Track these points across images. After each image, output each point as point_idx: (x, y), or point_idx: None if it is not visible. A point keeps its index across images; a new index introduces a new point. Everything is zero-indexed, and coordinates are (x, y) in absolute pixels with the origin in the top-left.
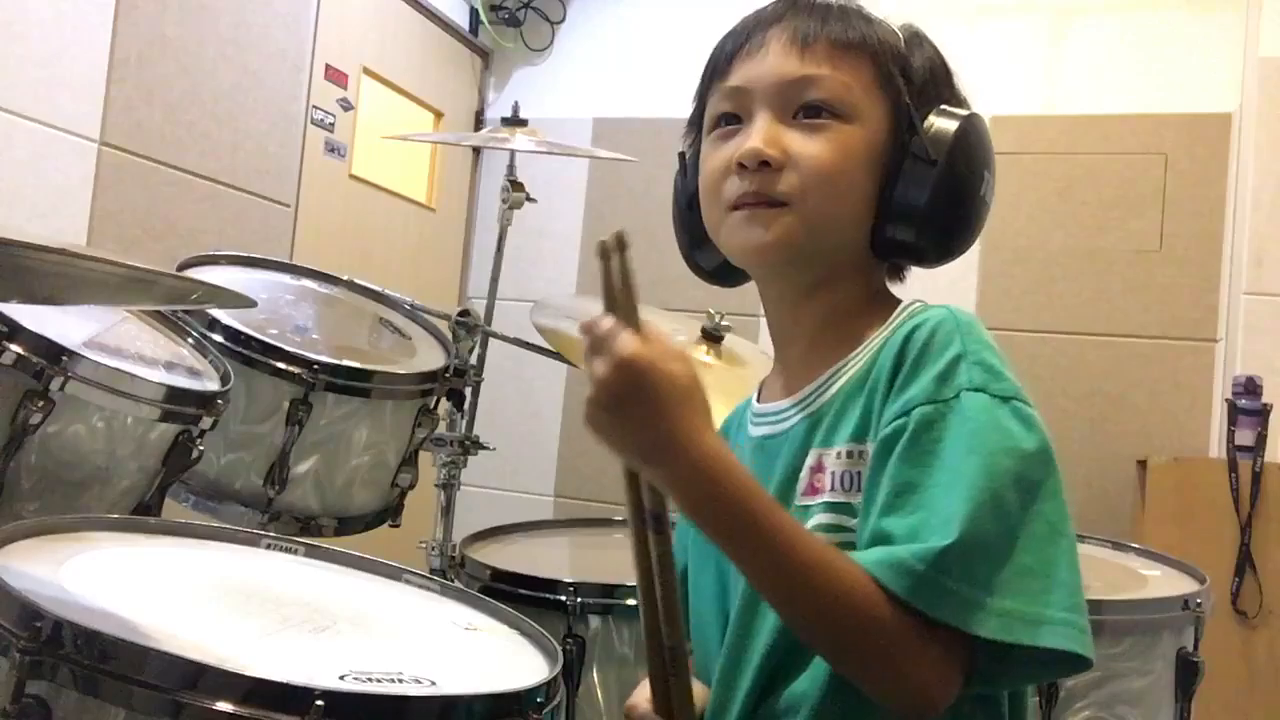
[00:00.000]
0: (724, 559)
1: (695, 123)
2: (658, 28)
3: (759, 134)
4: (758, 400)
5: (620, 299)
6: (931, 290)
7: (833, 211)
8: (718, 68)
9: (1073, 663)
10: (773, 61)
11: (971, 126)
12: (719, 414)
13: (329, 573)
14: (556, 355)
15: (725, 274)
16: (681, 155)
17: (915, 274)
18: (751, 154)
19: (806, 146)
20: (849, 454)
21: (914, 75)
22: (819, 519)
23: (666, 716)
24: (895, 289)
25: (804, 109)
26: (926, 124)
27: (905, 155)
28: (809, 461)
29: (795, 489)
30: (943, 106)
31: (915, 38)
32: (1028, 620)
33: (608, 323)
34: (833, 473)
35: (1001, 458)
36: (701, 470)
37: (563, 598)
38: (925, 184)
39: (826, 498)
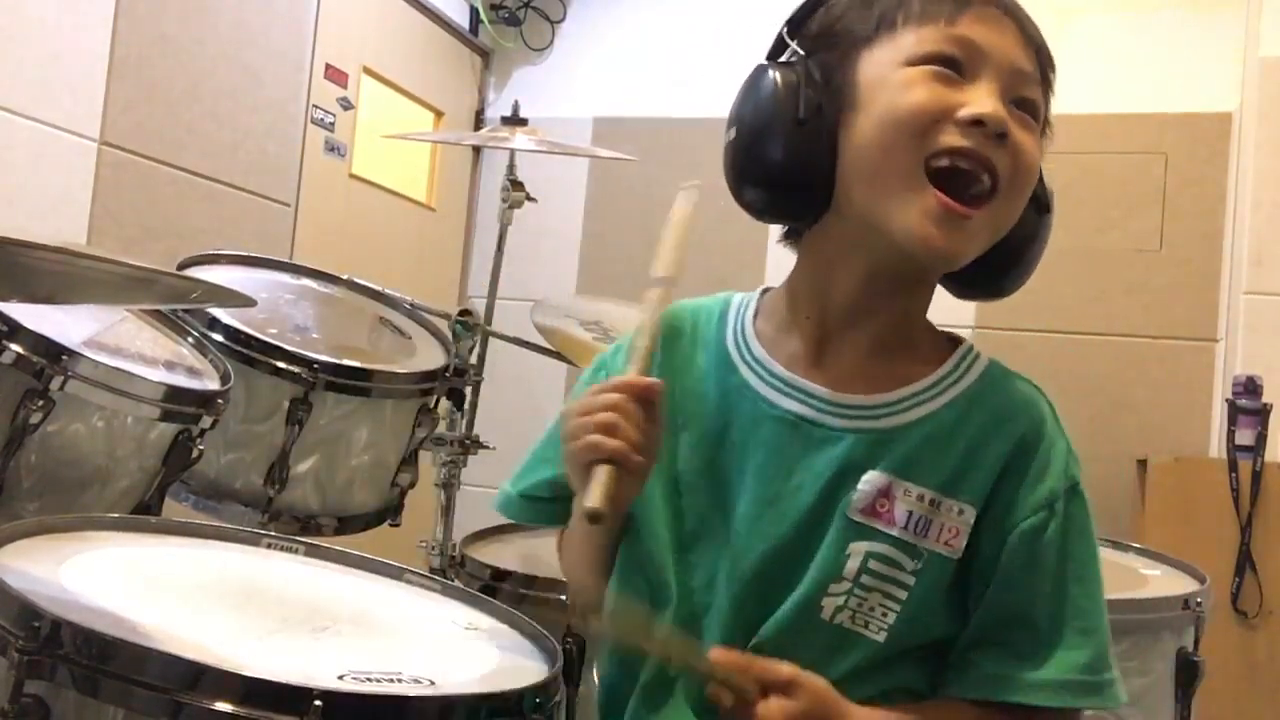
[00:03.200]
0: (670, 490)
1: (844, 40)
2: (658, 28)
3: (997, 104)
4: (769, 355)
5: None
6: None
7: (1016, 214)
8: (937, 3)
9: None
10: (1010, 44)
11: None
12: None
13: (329, 572)
14: (556, 355)
15: (774, 210)
16: (804, 59)
17: None
18: (998, 119)
19: (1025, 137)
20: (932, 501)
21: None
22: (877, 547)
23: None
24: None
25: (1018, 102)
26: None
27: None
28: (875, 482)
29: (848, 499)
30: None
31: None
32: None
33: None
34: (908, 511)
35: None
36: None
37: (563, 597)
38: (1033, 230)
39: (895, 533)
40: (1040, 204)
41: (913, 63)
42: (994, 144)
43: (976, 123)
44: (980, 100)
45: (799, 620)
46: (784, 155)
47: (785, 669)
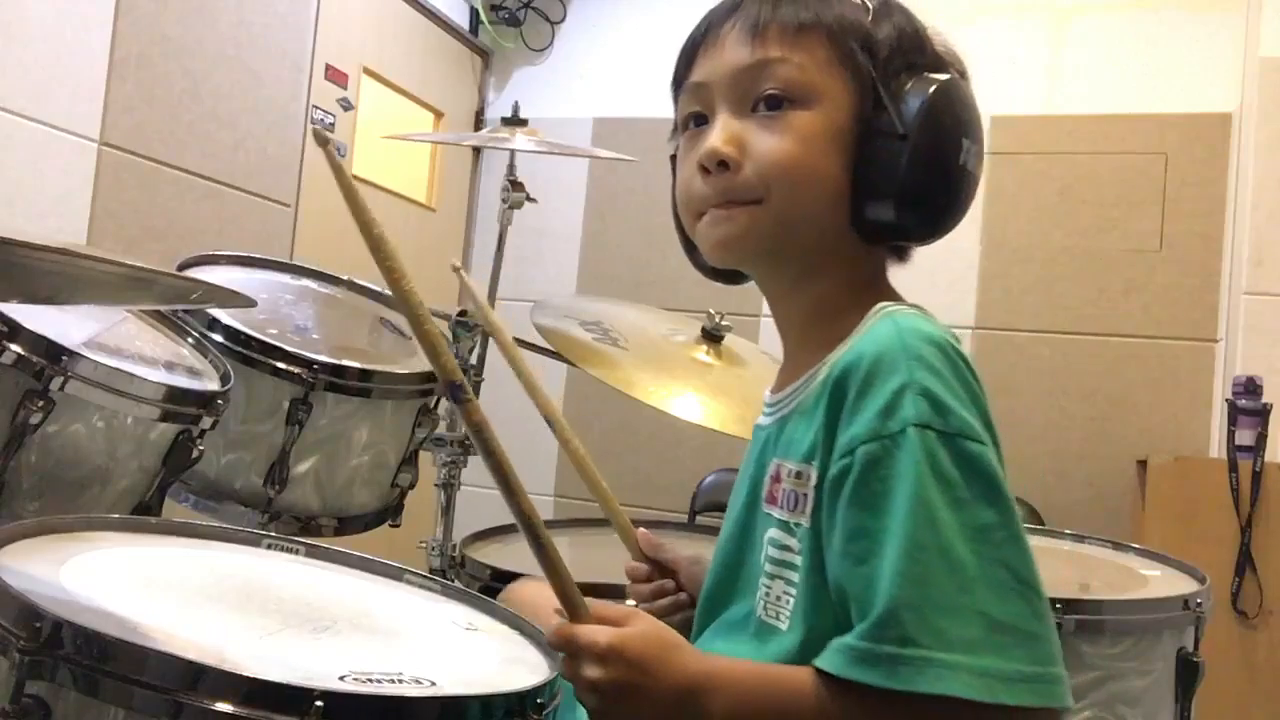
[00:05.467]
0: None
1: (677, 124)
2: (658, 28)
3: (717, 133)
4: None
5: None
6: (930, 291)
7: (800, 203)
8: (681, 66)
9: (1056, 716)
10: (727, 53)
11: (943, 93)
12: (717, 414)
13: (329, 573)
14: (556, 355)
15: (726, 273)
16: (672, 158)
17: (917, 274)
18: (709, 154)
19: (764, 140)
20: (797, 474)
21: (878, 48)
22: (773, 533)
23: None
24: (897, 271)
25: (764, 100)
26: (895, 95)
27: (874, 133)
28: (770, 469)
29: (760, 492)
30: (916, 76)
31: (884, 7)
32: (1009, 678)
33: (567, 628)
34: (785, 489)
35: (945, 509)
36: (706, 692)
37: None
38: (897, 160)
39: (778, 514)
40: (893, 134)
41: (681, 133)
42: (729, 173)
43: (704, 169)
44: (700, 147)
45: (733, 619)
46: (684, 240)
47: (624, 608)
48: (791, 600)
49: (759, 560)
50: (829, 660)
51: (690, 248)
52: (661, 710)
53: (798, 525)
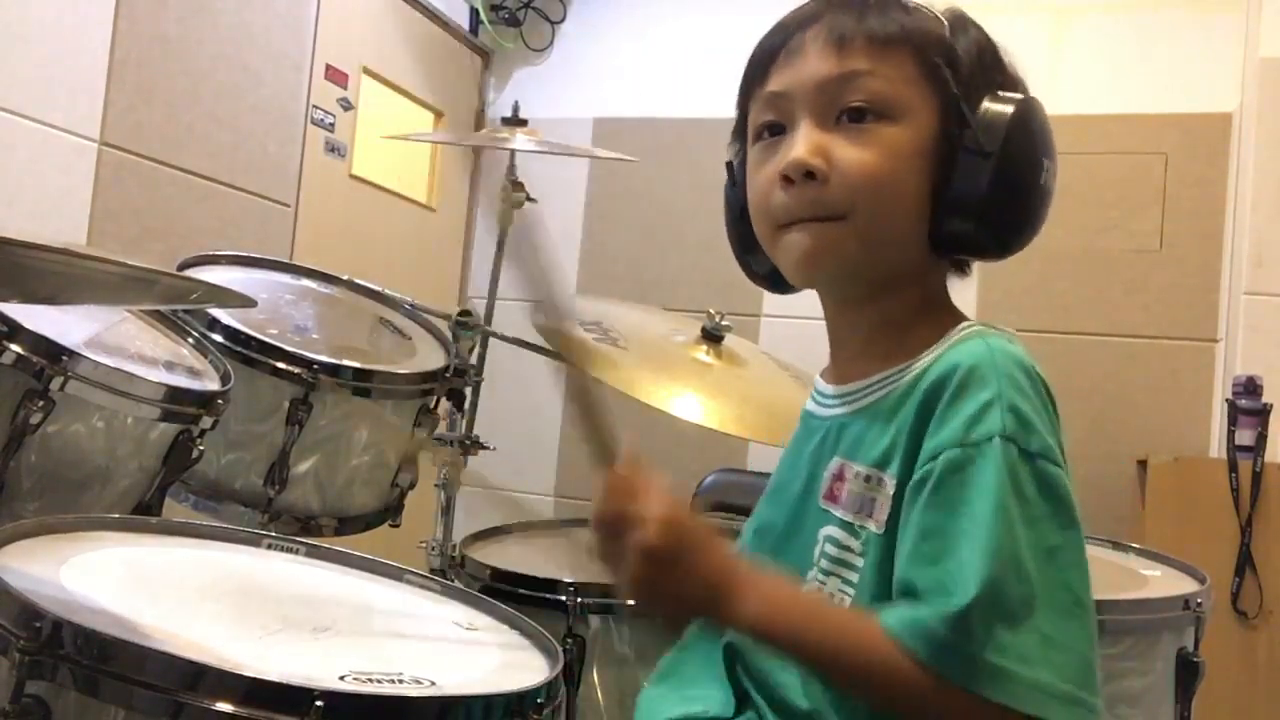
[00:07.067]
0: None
1: (740, 131)
2: (658, 28)
3: (801, 143)
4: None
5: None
6: None
7: (886, 220)
8: (756, 74)
9: None
10: (811, 63)
11: (1026, 111)
12: (717, 414)
13: (329, 573)
14: (556, 355)
15: (780, 280)
16: (729, 165)
17: None
18: (795, 165)
19: (851, 153)
20: (866, 478)
21: (960, 63)
22: (832, 531)
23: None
24: (956, 285)
25: (847, 112)
26: (979, 112)
27: (957, 149)
28: (832, 466)
29: (818, 487)
30: (996, 93)
31: (960, 21)
32: (1059, 697)
33: (628, 480)
34: (850, 490)
35: (1020, 524)
36: (753, 597)
37: (563, 598)
38: (981, 177)
39: (839, 513)
40: (978, 151)
41: (753, 141)
42: (815, 184)
43: (786, 179)
44: (787, 153)
45: None
46: (738, 248)
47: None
48: (848, 600)
49: (810, 554)
50: (912, 637)
51: (746, 252)
52: (696, 593)
53: (863, 528)
